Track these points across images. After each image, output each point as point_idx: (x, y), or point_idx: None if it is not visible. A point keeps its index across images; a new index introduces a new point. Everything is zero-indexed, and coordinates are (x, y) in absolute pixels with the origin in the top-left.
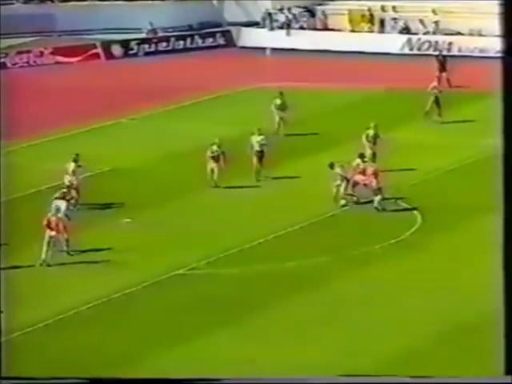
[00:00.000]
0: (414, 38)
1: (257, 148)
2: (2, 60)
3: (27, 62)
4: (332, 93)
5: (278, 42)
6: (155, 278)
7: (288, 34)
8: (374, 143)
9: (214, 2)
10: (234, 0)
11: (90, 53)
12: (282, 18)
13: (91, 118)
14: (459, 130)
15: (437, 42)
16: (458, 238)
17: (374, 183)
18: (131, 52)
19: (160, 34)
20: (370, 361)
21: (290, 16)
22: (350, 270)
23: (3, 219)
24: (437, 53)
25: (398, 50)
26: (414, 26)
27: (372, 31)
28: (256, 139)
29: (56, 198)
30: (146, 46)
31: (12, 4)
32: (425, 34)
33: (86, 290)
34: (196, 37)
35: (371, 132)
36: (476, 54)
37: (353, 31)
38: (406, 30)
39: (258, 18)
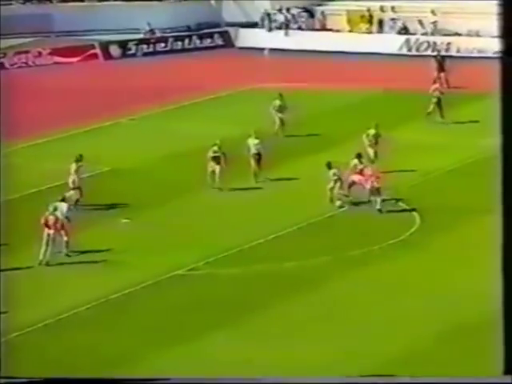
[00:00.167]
0: (413, 38)
1: (254, 151)
2: (1, 60)
3: (26, 63)
4: (330, 93)
5: (276, 42)
6: (155, 278)
7: (286, 34)
8: (376, 143)
9: (212, 2)
10: (233, 0)
11: (88, 53)
12: (280, 18)
13: (90, 118)
14: (458, 130)
15: (435, 43)
16: (456, 239)
17: (371, 184)
18: (129, 52)
19: (158, 35)
20: (369, 361)
21: (289, 16)
22: (349, 271)
23: (3, 219)
24: (435, 53)
25: (396, 50)
26: (413, 26)
27: (370, 32)
28: (253, 142)
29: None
30: (145, 46)
31: (10, 4)
32: (423, 34)
33: (86, 290)
34: (194, 37)
35: (372, 131)
36: (474, 54)
37: (351, 32)
38: (404, 31)
39: (257, 19)
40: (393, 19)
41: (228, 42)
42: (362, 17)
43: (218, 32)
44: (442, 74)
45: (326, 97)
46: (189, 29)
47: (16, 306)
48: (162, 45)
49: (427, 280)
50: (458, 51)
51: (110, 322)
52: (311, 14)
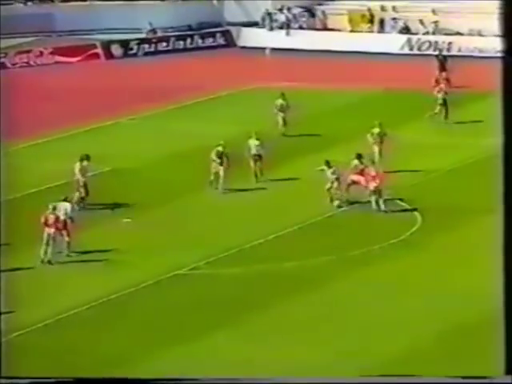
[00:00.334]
0: (414, 37)
1: (254, 151)
2: (2, 60)
3: (27, 62)
4: (331, 93)
5: (277, 41)
6: (155, 277)
7: (288, 33)
8: (381, 141)
9: (214, 1)
10: (234, 0)
11: (89, 53)
12: (281, 17)
13: (91, 117)
14: (459, 129)
15: (436, 42)
16: (458, 239)
17: (374, 186)
18: (131, 52)
19: (160, 34)
20: (369, 361)
21: (290, 16)
22: (349, 271)
23: (3, 219)
24: (437, 53)
25: (397, 50)
26: (414, 25)
27: (372, 31)
28: (254, 143)
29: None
30: (146, 46)
31: (12, 4)
32: (424, 33)
33: (86, 290)
34: (196, 37)
35: (376, 130)
36: (476, 53)
37: (352, 31)
38: (405, 30)
39: (258, 18)
40: (394, 19)
41: (229, 42)
42: (363, 16)
43: (220, 32)
44: (444, 74)
45: (326, 96)
46: (190, 28)
47: (16, 306)
48: (164, 44)
49: (428, 280)
50: (460, 51)
51: (110, 321)
52: (312, 14)
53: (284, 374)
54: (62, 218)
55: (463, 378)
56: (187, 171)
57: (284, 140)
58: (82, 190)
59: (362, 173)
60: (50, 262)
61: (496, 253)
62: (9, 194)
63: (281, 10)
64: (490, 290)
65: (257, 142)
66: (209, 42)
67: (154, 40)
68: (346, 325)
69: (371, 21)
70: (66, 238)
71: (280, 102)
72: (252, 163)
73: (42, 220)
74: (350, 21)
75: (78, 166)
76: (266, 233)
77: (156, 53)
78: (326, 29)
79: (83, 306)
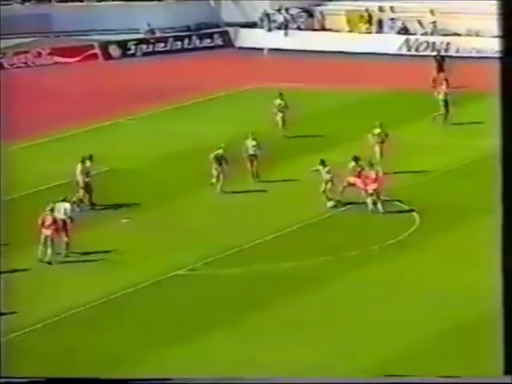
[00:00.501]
0: (412, 38)
1: (251, 152)
2: (0, 61)
3: (25, 63)
4: (329, 93)
5: (275, 42)
6: (155, 277)
7: (286, 34)
8: (382, 142)
9: (212, 2)
10: (232, 0)
11: (87, 53)
12: (279, 18)
13: (89, 118)
14: (457, 130)
15: (434, 43)
16: (456, 239)
17: (372, 187)
18: (129, 52)
19: (158, 35)
20: (369, 361)
21: (288, 16)
22: (348, 271)
23: (3, 219)
24: (435, 53)
25: (395, 50)
26: (412, 26)
27: (370, 32)
28: (251, 143)
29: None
30: (144, 46)
31: (10, 4)
32: (423, 34)
33: (85, 290)
34: (194, 37)
35: (377, 131)
36: (474, 54)
37: (351, 32)
38: (403, 31)
39: (256, 19)
40: (392, 19)
41: (227, 42)
42: (361, 17)
43: (218, 32)
44: (442, 74)
45: (325, 97)
46: (188, 29)
47: (16, 306)
48: (162, 45)
49: (426, 280)
50: (458, 51)
51: (109, 322)
52: (310, 14)
53: (282, 373)
54: (61, 218)
55: (462, 378)
56: (186, 171)
57: (283, 140)
58: (82, 190)
59: (358, 175)
60: (48, 263)
61: (494, 253)
62: (8, 194)
63: (279, 10)
64: (488, 290)
65: (253, 143)
66: (207, 42)
67: (152, 40)
68: (344, 325)
69: (369, 21)
70: (65, 239)
71: (278, 102)
72: (248, 164)
73: (40, 221)
74: (348, 21)
75: (79, 167)
76: (264, 233)
77: (154, 53)
78: (324, 29)
79: (82, 306)
